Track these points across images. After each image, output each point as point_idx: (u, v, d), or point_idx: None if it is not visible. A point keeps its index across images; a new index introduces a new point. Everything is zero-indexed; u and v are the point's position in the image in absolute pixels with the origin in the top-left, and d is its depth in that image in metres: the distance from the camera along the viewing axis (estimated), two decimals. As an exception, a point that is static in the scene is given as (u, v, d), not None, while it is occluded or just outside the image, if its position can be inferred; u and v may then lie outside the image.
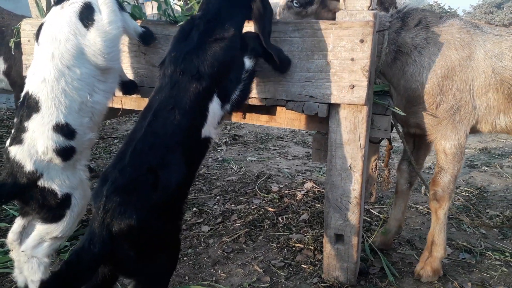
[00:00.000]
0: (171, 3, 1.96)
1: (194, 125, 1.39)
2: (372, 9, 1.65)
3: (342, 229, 1.80)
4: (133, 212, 1.19)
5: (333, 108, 1.74)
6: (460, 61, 1.87)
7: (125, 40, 1.98)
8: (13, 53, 2.93)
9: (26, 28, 2.26)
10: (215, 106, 1.43)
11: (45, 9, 2.25)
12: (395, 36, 1.94)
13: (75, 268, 1.18)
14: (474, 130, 2.03)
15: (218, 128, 1.53)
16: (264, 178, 3.47)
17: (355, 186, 1.75)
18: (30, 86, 1.65)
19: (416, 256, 2.28)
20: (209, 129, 1.44)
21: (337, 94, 1.69)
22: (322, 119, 1.82)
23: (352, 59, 1.64)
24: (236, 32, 1.54)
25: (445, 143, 1.96)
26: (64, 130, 1.61)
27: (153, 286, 1.34)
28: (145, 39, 1.91)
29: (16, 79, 3.08)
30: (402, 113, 1.89)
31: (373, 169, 2.95)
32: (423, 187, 3.35)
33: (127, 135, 1.43)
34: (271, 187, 3.24)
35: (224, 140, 4.79)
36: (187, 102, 1.37)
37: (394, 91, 2.00)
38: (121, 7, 1.79)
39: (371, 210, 2.86)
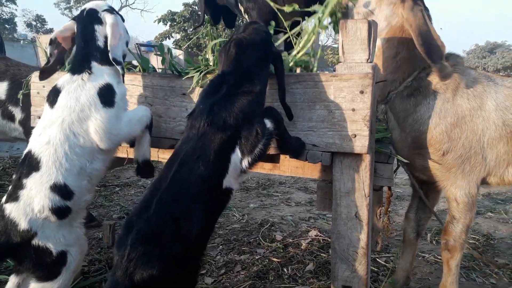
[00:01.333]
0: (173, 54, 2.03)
1: (216, 176, 1.42)
2: (370, 62, 1.71)
3: (350, 281, 1.76)
4: (156, 263, 1.21)
5: (336, 156, 1.76)
6: (470, 110, 1.88)
7: (133, 91, 2.04)
8: (20, 105, 3.00)
9: (36, 80, 2.33)
10: (236, 158, 1.45)
11: (55, 63, 2.33)
12: (424, 76, 1.96)
13: None
14: (482, 182, 2.01)
15: (239, 179, 1.54)
16: (267, 226, 3.43)
17: (361, 236, 1.73)
18: (34, 146, 1.68)
19: (426, 308, 2.20)
20: (230, 180, 1.46)
21: (339, 143, 1.72)
22: (326, 167, 1.83)
23: (353, 109, 1.68)
24: (262, 88, 1.61)
25: (456, 191, 1.93)
26: (62, 190, 1.62)
27: None
28: (144, 169, 1.94)
29: (31, 129, 3.15)
30: (405, 160, 1.90)
31: (378, 217, 2.92)
32: (429, 235, 3.30)
33: (151, 183, 1.46)
34: (275, 235, 3.19)
35: (226, 187, 4.77)
36: (211, 153, 1.41)
37: (397, 126, 2.00)
38: (150, 128, 1.89)
39: (377, 259, 2.80)
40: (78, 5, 37.37)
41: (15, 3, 31.38)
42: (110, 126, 1.71)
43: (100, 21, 1.81)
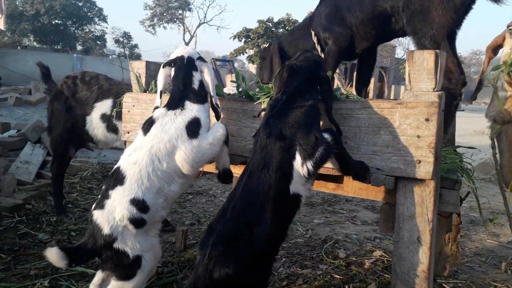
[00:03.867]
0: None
1: (281, 183, 1.55)
2: (437, 91, 1.74)
3: (409, 304, 1.78)
4: (232, 262, 1.39)
5: (400, 181, 1.80)
6: None
7: (211, 113, 2.25)
8: (114, 122, 3.40)
9: (127, 100, 2.66)
10: (298, 164, 1.58)
11: (144, 85, 2.65)
12: None
13: None
14: None
15: (308, 185, 1.65)
16: (331, 242, 3.47)
17: (423, 260, 1.75)
18: (123, 164, 1.95)
19: None
20: (297, 186, 1.59)
21: (403, 168, 1.76)
22: (390, 190, 1.88)
23: (418, 136, 1.73)
24: (315, 102, 1.74)
25: None
26: (140, 204, 1.85)
27: None
28: (225, 177, 2.16)
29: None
30: (474, 186, 1.86)
31: (446, 242, 2.85)
32: (504, 263, 3.12)
33: (229, 193, 1.66)
34: (338, 253, 3.23)
35: (291, 201, 4.86)
36: (274, 162, 1.56)
37: (507, 149, 1.94)
38: (227, 142, 2.09)
39: (443, 284, 2.72)
40: (161, 22, 40.14)
41: (106, 22, 34.54)
42: (194, 155, 1.94)
43: (196, 68, 2.11)
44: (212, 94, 2.07)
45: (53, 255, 1.76)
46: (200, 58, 2.13)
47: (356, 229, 3.97)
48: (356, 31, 2.80)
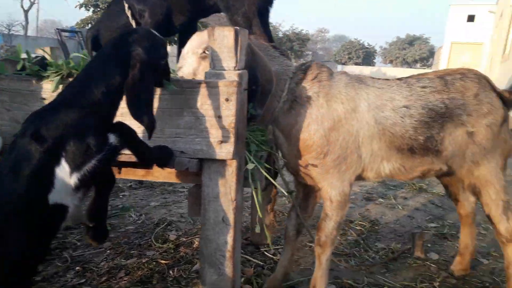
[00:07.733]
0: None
1: (37, 191, 1.30)
2: (238, 69, 1.73)
3: (217, 284, 1.80)
4: None
5: (204, 163, 1.77)
6: (345, 113, 2.00)
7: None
8: None
9: None
10: (63, 172, 1.34)
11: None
12: (294, 87, 2.04)
13: None
14: (359, 178, 2.15)
15: (79, 194, 1.42)
16: (163, 225, 3.38)
17: (228, 240, 1.77)
18: None
19: (303, 300, 2.34)
20: (60, 196, 1.35)
21: (206, 149, 1.73)
22: (198, 172, 1.84)
23: (219, 117, 1.70)
24: (104, 100, 1.47)
25: (331, 191, 2.06)
26: None
27: None
28: None
29: None
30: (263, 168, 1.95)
31: (268, 211, 3.04)
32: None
33: None
34: (169, 235, 3.15)
35: (128, 185, 4.60)
36: (26, 165, 1.29)
37: (285, 140, 2.08)
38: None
39: (265, 252, 2.90)
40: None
41: None
42: None
43: None
44: None
45: None
46: None
47: (193, 207, 3.96)
48: (172, 4, 2.66)
